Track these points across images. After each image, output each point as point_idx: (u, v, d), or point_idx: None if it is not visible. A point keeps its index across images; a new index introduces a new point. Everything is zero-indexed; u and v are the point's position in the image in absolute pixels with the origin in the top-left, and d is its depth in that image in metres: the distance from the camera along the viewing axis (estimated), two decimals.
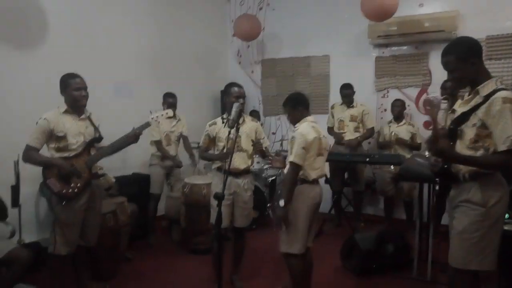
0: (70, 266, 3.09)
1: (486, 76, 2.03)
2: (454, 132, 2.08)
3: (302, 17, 5.68)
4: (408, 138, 4.49)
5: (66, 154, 2.76)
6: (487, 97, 1.94)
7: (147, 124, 2.98)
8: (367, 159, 4.19)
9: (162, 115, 3.03)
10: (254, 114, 5.62)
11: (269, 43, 6.05)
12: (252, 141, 3.16)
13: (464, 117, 2.04)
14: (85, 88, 2.82)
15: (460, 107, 2.12)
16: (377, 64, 5.19)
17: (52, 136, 2.74)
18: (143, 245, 4.19)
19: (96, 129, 2.95)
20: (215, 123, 3.18)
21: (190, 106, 5.16)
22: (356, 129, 4.75)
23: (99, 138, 2.94)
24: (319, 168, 2.74)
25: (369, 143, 5.22)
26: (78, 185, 2.76)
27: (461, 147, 2.04)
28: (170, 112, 3.10)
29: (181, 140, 4.55)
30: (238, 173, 3.08)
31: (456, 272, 2.06)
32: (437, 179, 2.24)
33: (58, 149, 2.76)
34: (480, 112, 1.95)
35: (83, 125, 2.87)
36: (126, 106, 4.50)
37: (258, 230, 4.65)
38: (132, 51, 4.75)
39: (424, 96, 2.24)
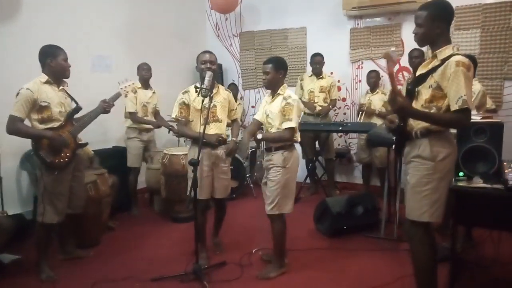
0: (54, 235, 3.23)
1: (447, 42, 2.16)
2: (411, 93, 2.25)
3: None
4: (380, 106, 4.65)
5: (50, 125, 2.83)
6: (444, 61, 2.08)
7: (118, 94, 3.10)
8: (340, 128, 4.35)
9: (129, 85, 3.14)
10: (232, 87, 5.69)
11: (247, 16, 6.06)
12: (227, 111, 3.21)
13: (422, 78, 2.19)
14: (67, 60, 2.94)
15: (419, 70, 2.26)
16: (352, 36, 5.28)
17: (35, 106, 2.78)
18: (127, 216, 4.32)
19: (73, 100, 3.02)
20: (188, 91, 3.15)
21: (167, 79, 5.19)
22: (325, 100, 4.91)
23: (78, 109, 3.01)
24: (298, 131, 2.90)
25: (338, 114, 5.39)
26: (68, 154, 2.87)
27: (416, 107, 2.20)
28: (137, 83, 3.21)
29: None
30: (216, 144, 3.11)
31: (411, 224, 2.24)
32: (393, 137, 2.39)
33: (42, 120, 2.82)
34: (436, 75, 2.10)
35: (62, 96, 2.95)
36: (104, 80, 4.49)
37: (238, 199, 4.82)
38: (109, 25, 4.73)
39: (386, 50, 2.38)
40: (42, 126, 2.81)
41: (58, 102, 2.88)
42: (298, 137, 2.87)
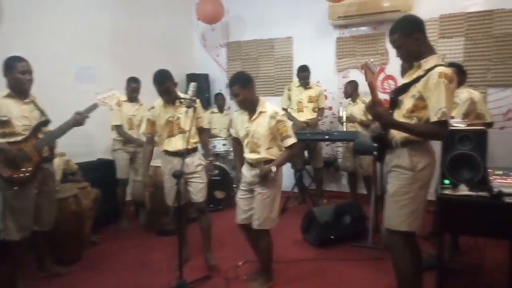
0: (32, 251, 3.13)
1: (430, 51, 2.16)
2: (394, 101, 2.24)
3: None
4: (361, 115, 4.62)
5: (13, 139, 2.73)
6: (428, 71, 2.07)
7: (94, 106, 3.00)
8: (326, 137, 4.34)
9: (109, 96, 3.06)
10: (219, 97, 5.67)
11: (234, 26, 6.06)
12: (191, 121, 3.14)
13: (405, 88, 2.18)
14: (30, 72, 2.80)
15: (404, 80, 2.27)
16: (338, 45, 5.30)
17: None
18: (111, 230, 4.23)
19: (42, 113, 2.92)
20: (153, 107, 3.23)
21: (153, 90, 5.12)
22: (314, 110, 4.90)
23: (46, 122, 2.93)
24: None
25: (324, 123, 5.37)
26: (29, 169, 2.76)
27: (398, 116, 2.19)
28: (117, 93, 3.14)
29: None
30: (182, 154, 3.00)
31: (390, 233, 2.23)
32: (375, 144, 2.38)
33: (4, 135, 2.72)
34: (419, 85, 2.08)
35: (28, 109, 2.84)
36: (88, 92, 4.38)
37: (224, 210, 4.76)
38: (94, 35, 4.68)
39: (363, 61, 2.36)
40: (4, 140, 2.71)
41: (21, 116, 2.77)
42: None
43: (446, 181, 2.46)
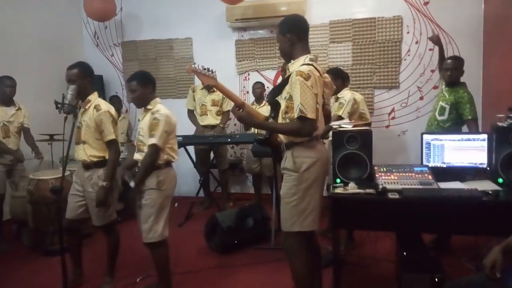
0: None
1: (303, 53, 2.21)
2: (273, 103, 2.31)
3: None
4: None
5: None
6: None
7: None
8: (229, 140, 4.31)
9: None
10: (115, 100, 5.30)
11: (129, 25, 5.72)
12: (93, 131, 2.80)
13: (278, 90, 2.25)
14: None
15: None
16: (237, 48, 5.31)
17: None
18: None
19: None
20: None
21: (36, 92, 4.61)
22: (218, 113, 4.82)
23: None
24: (177, 149, 2.75)
25: (228, 125, 5.35)
26: None
27: (279, 117, 2.24)
28: None
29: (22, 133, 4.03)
30: (86, 166, 2.80)
31: (285, 235, 2.25)
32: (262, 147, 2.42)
33: None
34: (287, 86, 2.15)
35: None
36: None
37: (124, 222, 4.44)
38: None
39: (187, 66, 2.29)
40: None
41: None
42: (174, 155, 2.70)
43: (338, 180, 2.57)
